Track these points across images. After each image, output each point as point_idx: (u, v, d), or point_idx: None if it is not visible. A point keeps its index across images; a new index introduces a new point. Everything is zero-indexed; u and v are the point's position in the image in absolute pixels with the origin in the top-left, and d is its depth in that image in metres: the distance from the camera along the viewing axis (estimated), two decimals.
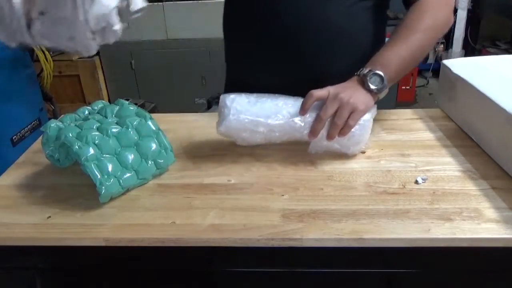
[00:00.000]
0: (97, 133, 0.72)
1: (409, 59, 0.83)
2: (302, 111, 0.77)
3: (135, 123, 0.75)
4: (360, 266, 0.67)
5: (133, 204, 0.70)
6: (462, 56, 3.25)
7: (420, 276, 0.68)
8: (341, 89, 0.77)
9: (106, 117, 0.77)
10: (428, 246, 0.62)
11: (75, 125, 0.74)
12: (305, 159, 0.80)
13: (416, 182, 0.72)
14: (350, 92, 0.77)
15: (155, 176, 0.77)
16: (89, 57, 2.46)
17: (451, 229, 0.61)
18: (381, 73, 0.78)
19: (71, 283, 0.76)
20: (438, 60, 3.39)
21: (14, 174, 0.80)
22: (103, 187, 0.68)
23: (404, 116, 0.97)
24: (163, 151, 0.76)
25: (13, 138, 1.32)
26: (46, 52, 1.72)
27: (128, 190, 0.73)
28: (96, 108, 0.81)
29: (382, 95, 0.81)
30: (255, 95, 0.81)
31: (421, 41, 0.84)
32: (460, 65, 0.92)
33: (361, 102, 0.77)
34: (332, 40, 0.92)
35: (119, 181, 0.70)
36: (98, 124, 0.74)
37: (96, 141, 0.71)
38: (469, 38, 3.31)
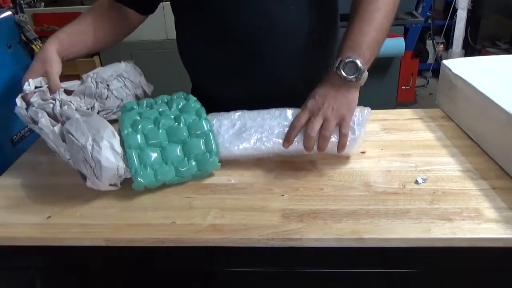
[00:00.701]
0: (150, 123, 0.74)
1: (377, 33, 0.78)
2: (286, 143, 0.75)
3: (190, 120, 0.75)
4: (360, 266, 0.67)
5: (133, 204, 0.70)
6: (462, 56, 3.25)
7: (420, 276, 0.68)
8: (320, 101, 0.74)
9: (170, 108, 0.79)
10: (428, 246, 0.62)
11: (137, 112, 0.77)
12: (305, 159, 0.80)
13: (416, 182, 0.72)
14: (330, 101, 0.74)
15: (196, 178, 0.76)
16: (89, 57, 2.46)
17: (451, 229, 0.61)
18: (352, 59, 0.74)
19: (71, 283, 0.75)
20: (438, 60, 3.39)
21: (14, 174, 0.80)
22: (137, 176, 0.69)
23: (404, 116, 0.97)
24: (207, 154, 0.74)
25: (13, 138, 1.31)
26: None
27: (166, 185, 0.73)
28: (175, 97, 0.83)
29: (363, 80, 0.76)
30: (237, 117, 0.79)
31: (382, 10, 0.79)
32: (460, 65, 0.92)
33: (345, 106, 0.74)
34: (292, 38, 0.89)
35: (155, 174, 0.71)
36: (156, 115, 0.76)
37: (145, 132, 0.72)
38: (469, 38, 3.31)
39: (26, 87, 0.78)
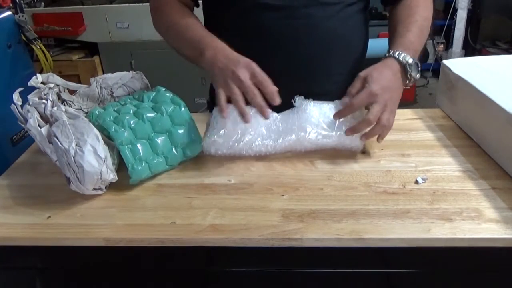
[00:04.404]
0: (133, 117, 0.75)
1: (421, 44, 0.86)
2: (351, 133, 0.78)
3: (170, 109, 0.77)
4: (360, 266, 0.67)
5: (133, 204, 0.70)
6: (462, 56, 3.24)
7: (420, 276, 0.68)
8: (388, 95, 0.77)
9: (142, 101, 0.80)
10: (428, 246, 0.62)
11: (114, 110, 0.78)
12: (305, 159, 0.80)
13: (416, 182, 0.72)
14: (394, 94, 0.78)
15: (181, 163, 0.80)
16: (89, 57, 2.46)
17: (451, 229, 0.61)
18: (418, 62, 0.81)
19: (71, 283, 0.76)
20: (438, 60, 3.39)
21: (14, 174, 0.80)
22: (134, 171, 0.71)
23: (404, 116, 0.97)
24: (192, 141, 0.78)
25: (13, 138, 1.31)
26: (46, 52, 1.72)
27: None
28: (136, 96, 0.84)
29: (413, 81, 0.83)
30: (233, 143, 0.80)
31: (426, 25, 0.87)
32: (460, 65, 0.92)
33: (398, 102, 0.80)
34: (330, 42, 0.90)
35: (149, 166, 0.73)
36: (134, 109, 0.77)
37: (132, 125, 0.74)
38: (469, 38, 3.31)
39: (33, 80, 0.79)
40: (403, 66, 0.80)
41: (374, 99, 0.76)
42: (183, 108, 0.78)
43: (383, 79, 0.77)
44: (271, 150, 0.80)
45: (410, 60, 0.80)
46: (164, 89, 0.82)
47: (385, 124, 0.76)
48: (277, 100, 0.75)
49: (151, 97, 0.81)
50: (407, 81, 0.81)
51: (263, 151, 0.80)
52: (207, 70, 0.81)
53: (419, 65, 0.81)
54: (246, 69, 0.75)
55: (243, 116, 0.75)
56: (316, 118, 0.80)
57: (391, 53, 0.81)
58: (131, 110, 0.77)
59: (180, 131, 0.77)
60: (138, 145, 0.73)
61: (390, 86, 0.78)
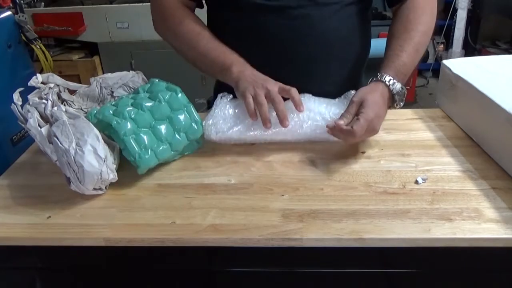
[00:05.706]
0: (132, 108, 0.76)
1: (416, 63, 0.85)
2: (330, 131, 0.78)
3: (166, 97, 0.78)
4: (360, 266, 0.67)
5: (133, 204, 0.70)
6: (462, 56, 3.24)
7: (420, 276, 0.68)
8: (377, 118, 0.76)
9: (138, 93, 0.81)
10: (428, 246, 0.62)
11: (111, 104, 0.78)
12: (305, 159, 0.80)
13: (416, 182, 0.72)
14: (380, 119, 0.78)
15: (186, 150, 0.82)
16: (88, 57, 2.46)
17: (451, 229, 0.61)
18: (404, 89, 0.81)
19: (71, 283, 0.76)
20: (438, 60, 3.38)
21: (14, 174, 0.81)
22: (142, 160, 0.72)
23: (404, 116, 0.97)
24: (193, 124, 0.79)
25: (13, 138, 1.31)
26: (46, 52, 1.72)
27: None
28: (132, 92, 0.85)
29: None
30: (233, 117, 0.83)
31: (424, 41, 0.86)
32: (460, 65, 0.92)
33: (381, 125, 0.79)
34: (329, 43, 0.90)
35: (155, 154, 0.74)
36: (132, 101, 0.78)
37: (133, 116, 0.75)
38: (469, 38, 3.31)
39: (33, 80, 0.79)
40: (392, 95, 0.80)
41: (369, 125, 0.75)
42: (179, 94, 0.79)
43: (376, 106, 0.77)
44: (267, 138, 0.82)
45: (400, 89, 0.80)
46: (157, 80, 0.83)
47: (357, 139, 0.76)
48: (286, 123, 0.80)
49: (146, 88, 0.82)
50: (391, 107, 0.82)
51: (259, 138, 0.82)
52: (230, 83, 0.84)
53: (405, 93, 0.82)
54: (275, 84, 0.80)
55: (264, 123, 0.79)
56: (312, 109, 0.82)
57: (383, 77, 0.80)
58: (129, 102, 0.77)
59: (180, 116, 0.78)
60: (142, 135, 0.74)
61: (380, 114, 0.78)
